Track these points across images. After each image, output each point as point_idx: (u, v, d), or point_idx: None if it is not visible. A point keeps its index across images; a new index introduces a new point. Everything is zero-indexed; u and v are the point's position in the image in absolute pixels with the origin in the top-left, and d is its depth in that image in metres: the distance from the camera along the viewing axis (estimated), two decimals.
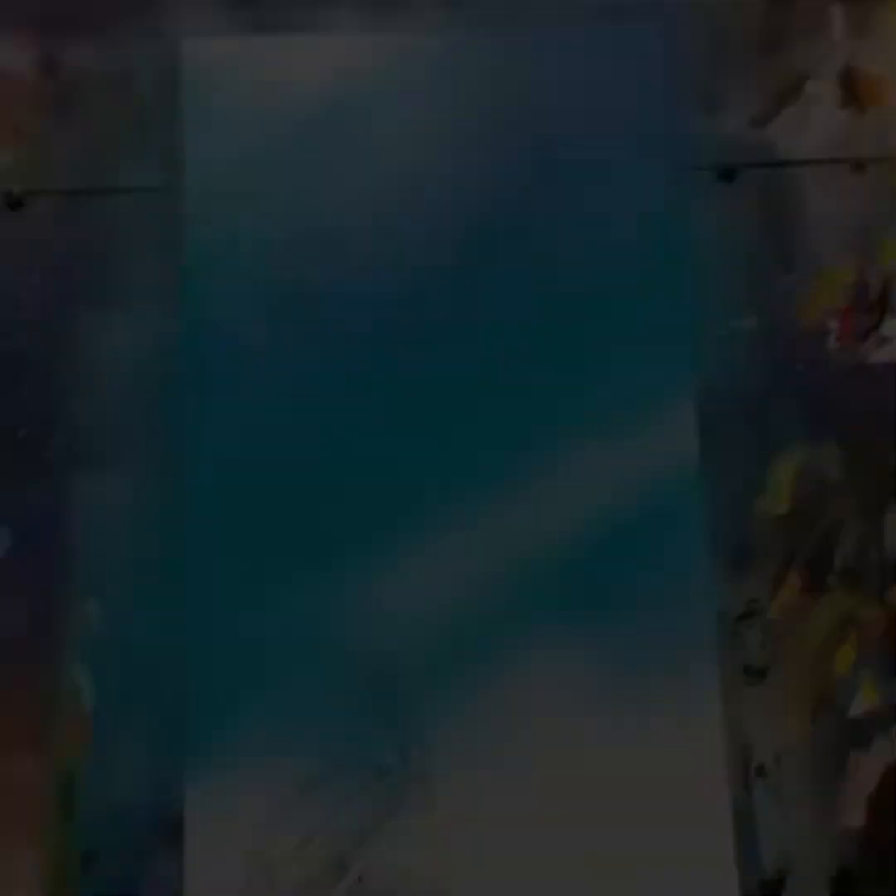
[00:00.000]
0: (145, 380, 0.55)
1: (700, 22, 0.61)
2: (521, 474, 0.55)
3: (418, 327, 0.56)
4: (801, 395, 0.58)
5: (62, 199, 0.58)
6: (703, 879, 0.53)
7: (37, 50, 0.59)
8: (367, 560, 0.53)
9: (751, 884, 0.54)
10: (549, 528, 0.55)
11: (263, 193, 0.56)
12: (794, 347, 0.59)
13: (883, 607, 0.57)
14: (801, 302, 0.59)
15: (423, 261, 0.56)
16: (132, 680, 0.52)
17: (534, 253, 0.57)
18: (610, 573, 0.55)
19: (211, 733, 0.51)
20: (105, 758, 0.52)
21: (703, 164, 0.60)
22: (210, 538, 0.53)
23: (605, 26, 0.59)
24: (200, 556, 0.53)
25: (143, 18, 0.59)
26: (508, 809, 0.51)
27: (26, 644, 0.53)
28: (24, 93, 0.59)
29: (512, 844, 0.51)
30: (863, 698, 0.56)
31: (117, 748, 0.52)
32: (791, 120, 0.61)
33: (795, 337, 0.59)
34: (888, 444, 0.59)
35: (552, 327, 0.57)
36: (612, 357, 0.57)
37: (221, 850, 0.50)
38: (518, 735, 0.53)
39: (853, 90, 0.62)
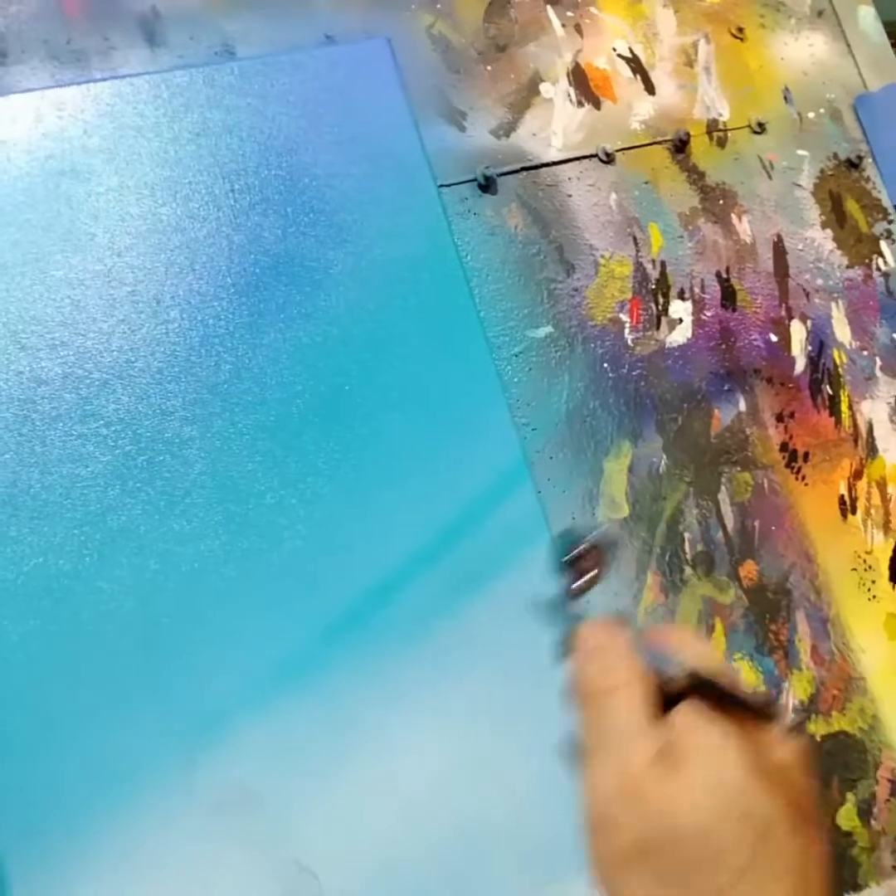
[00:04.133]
0: None
1: (423, 38, 0.57)
2: (352, 516, 0.48)
3: (197, 390, 0.48)
4: (613, 393, 0.55)
5: None
6: None
7: None
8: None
9: None
10: (387, 565, 0.48)
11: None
12: (595, 346, 0.55)
13: (739, 586, 0.55)
14: (590, 300, 0.56)
15: (189, 320, 0.48)
16: None
17: (310, 302, 0.50)
18: (461, 610, 0.48)
19: None
20: None
21: (460, 178, 0.56)
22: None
23: (338, 46, 0.54)
24: None
25: None
26: None
27: None
28: None
29: None
30: (746, 683, 0.53)
31: None
32: (534, 124, 0.58)
33: (593, 336, 0.55)
34: (703, 419, 0.56)
35: (345, 372, 0.50)
36: (417, 394, 0.50)
37: None
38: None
39: (585, 88, 0.60)
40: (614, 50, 0.60)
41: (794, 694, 0.53)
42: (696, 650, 0.36)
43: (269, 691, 0.44)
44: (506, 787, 0.47)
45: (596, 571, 0.41)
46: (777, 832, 0.32)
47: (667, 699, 0.34)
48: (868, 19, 0.67)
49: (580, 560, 0.42)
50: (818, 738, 0.53)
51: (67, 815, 0.42)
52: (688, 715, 0.34)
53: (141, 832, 0.42)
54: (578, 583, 0.41)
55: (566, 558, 0.42)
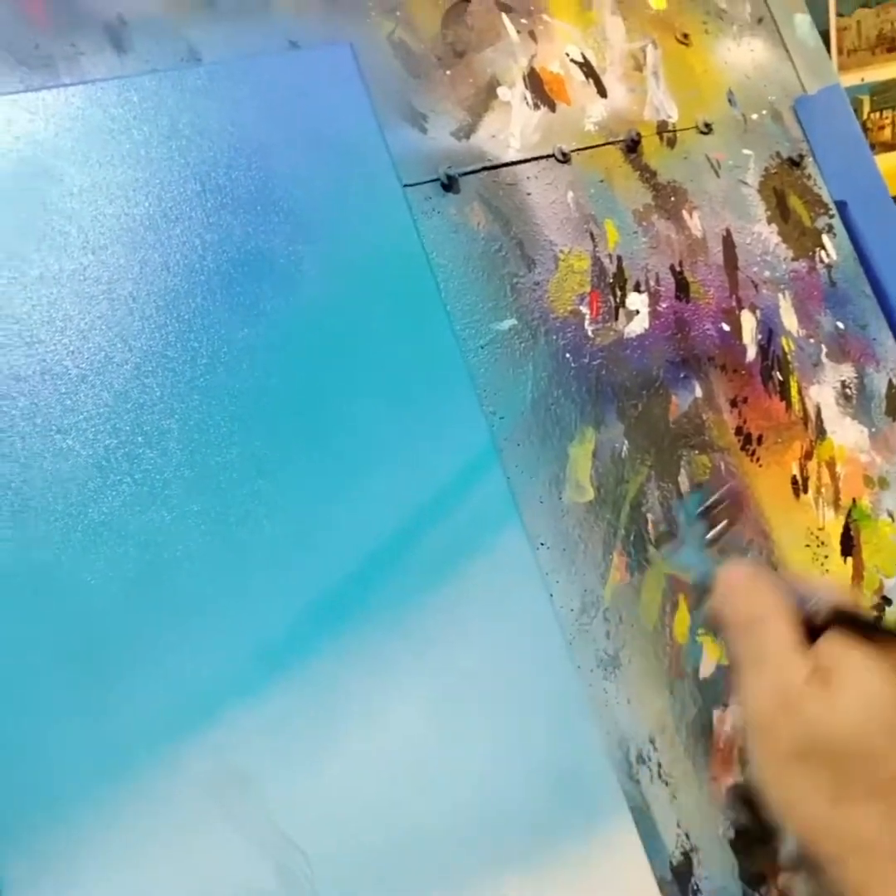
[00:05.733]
0: None
1: (383, 44, 0.59)
2: (328, 503, 0.49)
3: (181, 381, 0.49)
4: (575, 381, 0.57)
5: None
6: (617, 878, 0.49)
7: None
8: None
9: (662, 870, 0.51)
10: (365, 549, 0.49)
11: None
12: (557, 338, 0.57)
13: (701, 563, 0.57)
14: (551, 294, 0.58)
15: (165, 316, 0.49)
16: None
17: (279, 299, 0.51)
18: (437, 590, 0.50)
19: None
20: None
21: (424, 178, 0.57)
22: None
23: (303, 51, 0.55)
24: None
25: None
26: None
27: None
28: None
29: None
30: (709, 657, 0.55)
31: None
32: (493, 126, 0.60)
33: (555, 328, 0.57)
34: (662, 405, 0.59)
35: (315, 366, 0.51)
36: (390, 385, 0.52)
37: None
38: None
39: (540, 91, 0.62)
40: (567, 55, 0.63)
41: None
42: (835, 590, 0.40)
43: (255, 675, 0.45)
44: (490, 760, 0.48)
45: (727, 521, 0.45)
46: None
47: (810, 633, 0.38)
48: (804, 26, 0.70)
49: (712, 511, 0.45)
50: None
51: (54, 805, 0.42)
52: (833, 642, 0.37)
53: (129, 816, 0.43)
54: (713, 532, 0.44)
55: (700, 510, 0.45)
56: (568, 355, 0.56)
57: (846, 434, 0.62)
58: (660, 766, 0.52)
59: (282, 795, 0.45)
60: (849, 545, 0.60)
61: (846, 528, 0.60)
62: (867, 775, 0.35)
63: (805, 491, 0.60)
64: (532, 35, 0.62)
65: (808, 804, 0.36)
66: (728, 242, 0.63)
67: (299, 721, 0.46)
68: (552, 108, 0.61)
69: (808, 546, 0.59)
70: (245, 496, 0.48)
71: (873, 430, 0.63)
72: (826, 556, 0.59)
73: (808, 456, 0.60)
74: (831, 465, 0.61)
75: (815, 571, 0.58)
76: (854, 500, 0.61)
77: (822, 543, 0.59)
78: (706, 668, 0.54)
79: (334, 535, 0.49)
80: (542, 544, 0.53)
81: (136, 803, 0.43)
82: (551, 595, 0.52)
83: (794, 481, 0.60)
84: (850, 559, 0.60)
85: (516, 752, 0.49)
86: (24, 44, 0.51)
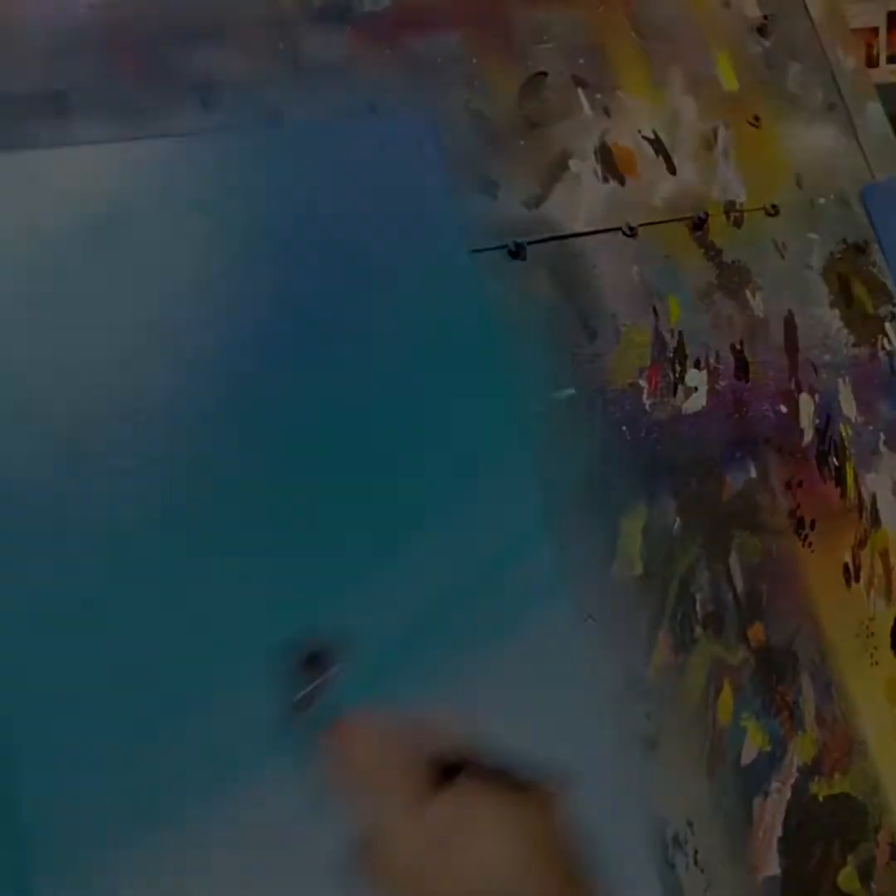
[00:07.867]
0: None
1: (460, 112, 0.60)
2: (375, 561, 0.49)
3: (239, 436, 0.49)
4: (630, 455, 0.57)
5: None
6: None
7: None
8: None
9: None
10: (408, 611, 0.48)
11: (31, 319, 0.47)
12: (614, 410, 0.57)
13: (747, 647, 0.56)
14: (611, 366, 0.58)
15: (228, 370, 0.50)
16: None
17: (343, 357, 0.52)
18: (478, 657, 0.49)
19: None
20: None
21: (492, 245, 0.58)
22: None
23: (383, 116, 0.57)
24: None
25: None
26: None
27: None
28: None
29: None
30: (752, 743, 0.54)
31: None
32: (563, 197, 0.61)
33: (613, 400, 0.57)
34: (715, 484, 0.58)
35: (375, 425, 0.52)
36: (445, 447, 0.52)
37: None
38: None
39: (611, 165, 0.63)
40: (639, 131, 0.64)
41: (798, 755, 0.54)
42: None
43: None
44: None
45: (321, 680, 0.41)
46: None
47: (444, 768, 0.36)
48: (875, 115, 0.71)
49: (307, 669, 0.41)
50: (820, 799, 0.54)
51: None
52: (462, 793, 0.35)
53: None
54: (305, 692, 0.40)
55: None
56: (624, 428, 0.56)
57: None
58: (696, 852, 0.51)
59: None
60: None
61: None
62: None
63: (857, 580, 0.59)
64: (606, 110, 0.63)
65: None
66: (789, 325, 0.63)
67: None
68: (622, 182, 0.62)
69: (857, 636, 0.58)
70: (296, 551, 0.49)
71: None
72: (875, 648, 0.58)
73: (861, 544, 0.60)
74: (884, 555, 0.60)
75: (864, 662, 0.57)
76: None
77: (872, 634, 0.58)
78: (748, 755, 0.53)
79: (378, 594, 0.49)
80: (588, 617, 0.52)
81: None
82: (594, 669, 0.52)
83: (846, 570, 0.59)
84: None
85: None
86: (113, 96, 0.53)
